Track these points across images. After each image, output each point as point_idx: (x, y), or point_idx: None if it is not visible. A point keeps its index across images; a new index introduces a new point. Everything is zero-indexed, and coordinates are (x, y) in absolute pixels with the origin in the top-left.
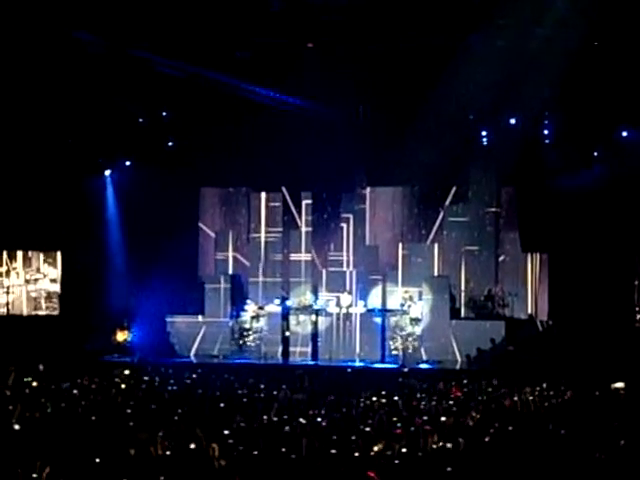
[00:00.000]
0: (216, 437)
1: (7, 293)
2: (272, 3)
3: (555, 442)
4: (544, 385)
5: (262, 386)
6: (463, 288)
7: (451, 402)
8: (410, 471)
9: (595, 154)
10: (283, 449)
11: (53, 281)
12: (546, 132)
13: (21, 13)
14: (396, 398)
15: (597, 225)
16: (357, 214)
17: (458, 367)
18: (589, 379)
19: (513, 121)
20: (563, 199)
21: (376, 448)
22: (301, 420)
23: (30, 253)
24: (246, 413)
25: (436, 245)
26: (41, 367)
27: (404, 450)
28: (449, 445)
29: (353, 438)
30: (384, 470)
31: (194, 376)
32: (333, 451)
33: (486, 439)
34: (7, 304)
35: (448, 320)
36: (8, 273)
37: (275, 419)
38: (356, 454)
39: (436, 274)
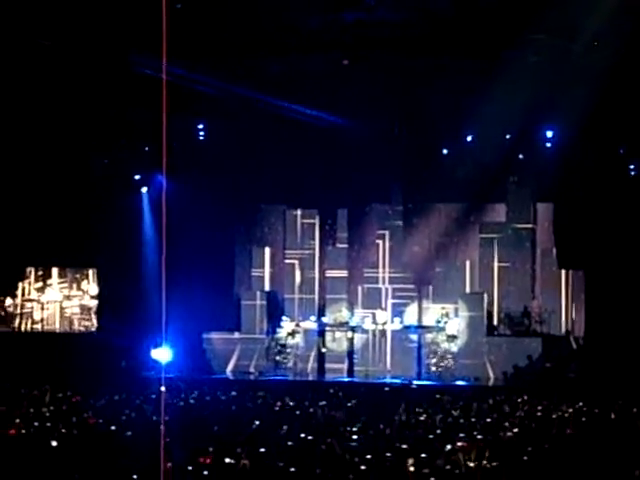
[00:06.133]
0: (252, 455)
1: (42, 309)
2: (308, 21)
3: (592, 460)
4: (581, 403)
5: (292, 404)
6: (499, 305)
7: (488, 420)
8: None
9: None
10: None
11: (90, 298)
12: (582, 148)
13: (61, 34)
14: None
15: (633, 242)
16: (393, 231)
17: (491, 384)
18: (625, 397)
19: (549, 136)
20: (600, 216)
21: (412, 468)
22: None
23: (65, 270)
24: (281, 430)
25: (472, 261)
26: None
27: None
28: (485, 463)
29: (388, 455)
30: None
31: (232, 393)
32: (365, 468)
33: (523, 457)
34: (42, 320)
35: (484, 337)
36: (43, 289)
37: (310, 437)
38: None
39: (472, 291)
